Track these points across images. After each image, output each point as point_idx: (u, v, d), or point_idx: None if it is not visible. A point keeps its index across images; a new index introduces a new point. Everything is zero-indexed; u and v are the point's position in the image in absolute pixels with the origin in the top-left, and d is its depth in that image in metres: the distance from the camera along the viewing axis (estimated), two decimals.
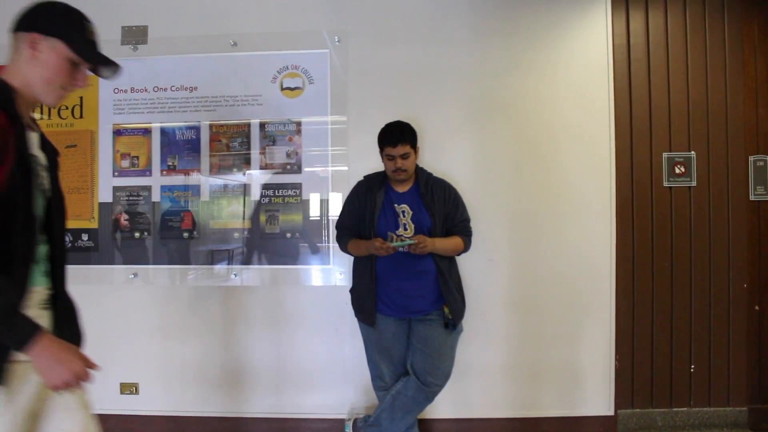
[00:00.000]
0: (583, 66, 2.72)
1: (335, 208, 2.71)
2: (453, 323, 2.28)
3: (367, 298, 2.31)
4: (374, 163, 2.49)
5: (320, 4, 2.79)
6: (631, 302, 2.74)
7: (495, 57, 2.73)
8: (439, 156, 2.71)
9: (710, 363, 2.74)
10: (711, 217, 2.74)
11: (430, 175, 2.38)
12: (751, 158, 2.75)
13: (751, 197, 2.75)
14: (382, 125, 2.32)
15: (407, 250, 2.18)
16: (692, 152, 2.74)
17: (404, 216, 2.29)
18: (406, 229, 2.27)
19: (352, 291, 2.42)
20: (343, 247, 2.40)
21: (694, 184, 2.74)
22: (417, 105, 2.72)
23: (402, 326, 2.32)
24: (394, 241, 2.23)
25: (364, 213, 2.32)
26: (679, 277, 2.73)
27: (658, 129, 2.75)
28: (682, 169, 2.74)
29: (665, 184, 2.74)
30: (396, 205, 2.30)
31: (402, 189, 2.34)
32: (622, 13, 2.76)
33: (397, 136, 2.24)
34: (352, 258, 2.42)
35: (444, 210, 2.31)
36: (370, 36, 2.76)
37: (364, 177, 2.44)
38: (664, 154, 2.74)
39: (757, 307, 2.76)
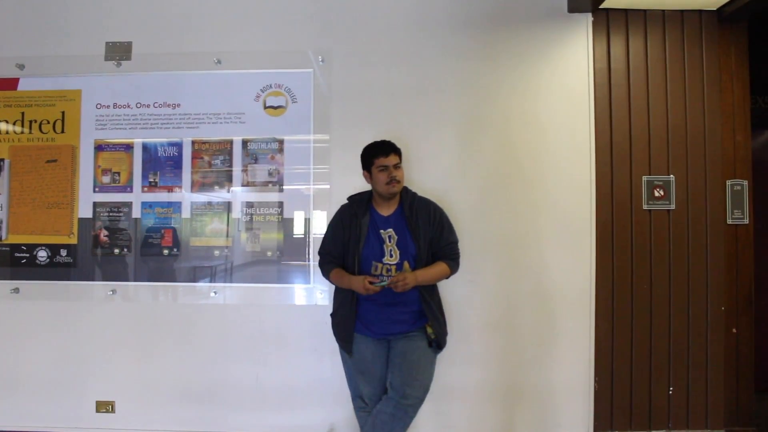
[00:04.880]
0: (564, 89, 2.75)
1: (317, 227, 2.71)
2: (437, 343, 2.28)
3: (347, 324, 2.29)
4: (357, 182, 2.49)
5: (305, 23, 2.81)
6: (610, 324, 2.75)
7: (477, 78, 2.76)
8: (423, 175, 2.72)
9: (689, 385, 2.75)
10: (689, 240, 2.77)
11: (414, 195, 2.38)
12: (728, 182, 2.79)
13: (729, 221, 2.78)
14: (365, 144, 2.33)
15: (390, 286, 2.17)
16: (671, 176, 2.77)
17: (390, 242, 2.27)
18: (392, 256, 2.25)
19: (332, 315, 2.40)
20: (326, 275, 2.37)
21: (673, 207, 2.76)
22: (400, 125, 2.73)
23: (381, 346, 2.31)
24: (378, 270, 2.24)
25: (349, 240, 2.29)
26: (658, 299, 2.75)
27: (638, 152, 2.78)
28: (662, 193, 2.77)
29: (645, 207, 2.77)
30: (381, 230, 2.29)
31: (387, 212, 2.32)
32: (603, 38, 2.80)
33: (389, 145, 2.30)
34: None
35: (429, 233, 2.30)
36: (355, 56, 2.78)
37: (348, 199, 2.40)
38: (644, 178, 2.77)
39: (734, 330, 2.78)
